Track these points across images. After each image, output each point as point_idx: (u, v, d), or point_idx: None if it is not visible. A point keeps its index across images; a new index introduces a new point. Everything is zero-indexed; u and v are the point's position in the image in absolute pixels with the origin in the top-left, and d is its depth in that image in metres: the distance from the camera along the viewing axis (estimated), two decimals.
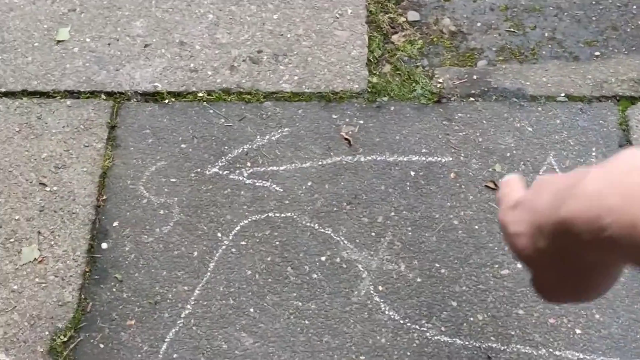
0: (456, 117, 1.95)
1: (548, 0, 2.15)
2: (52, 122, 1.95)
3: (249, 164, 1.88)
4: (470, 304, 1.70)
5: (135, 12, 2.14)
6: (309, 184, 1.86)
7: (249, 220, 1.81)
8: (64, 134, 1.93)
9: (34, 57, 2.05)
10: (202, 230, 1.80)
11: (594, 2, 2.14)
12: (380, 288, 1.72)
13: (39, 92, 2.00)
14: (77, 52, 2.07)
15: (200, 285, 1.73)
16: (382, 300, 1.70)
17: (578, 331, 1.66)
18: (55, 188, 1.85)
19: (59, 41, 2.09)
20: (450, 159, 1.89)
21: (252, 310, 1.70)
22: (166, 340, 1.67)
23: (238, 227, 1.80)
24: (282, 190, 1.85)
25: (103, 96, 2.00)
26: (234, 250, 1.77)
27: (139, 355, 1.65)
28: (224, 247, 1.77)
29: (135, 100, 1.99)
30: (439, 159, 1.89)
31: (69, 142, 1.92)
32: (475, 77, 2.02)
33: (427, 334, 1.66)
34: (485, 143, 1.90)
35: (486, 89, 1.99)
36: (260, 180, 1.86)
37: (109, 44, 2.08)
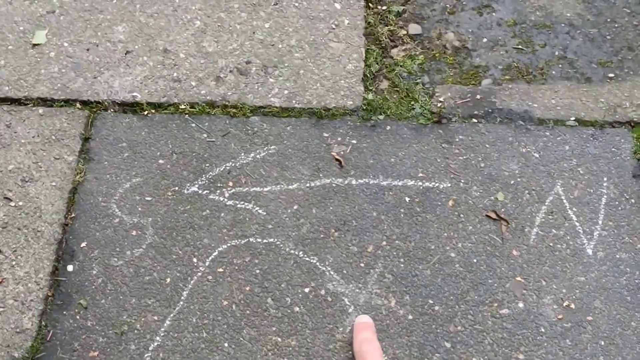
0: (457, 140, 1.80)
1: (559, 16, 2.01)
2: (21, 131, 1.81)
3: (230, 184, 1.74)
4: (466, 346, 1.55)
5: (117, 16, 2.00)
6: (295, 207, 1.71)
7: (228, 245, 1.66)
8: (34, 144, 1.79)
9: (7, 60, 1.92)
10: (176, 255, 1.65)
11: (609, 20, 2.00)
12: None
13: (9, 98, 1.87)
14: (53, 57, 1.93)
15: (171, 315, 1.58)
16: None
17: None
18: (20, 203, 1.71)
19: (34, 45, 1.95)
20: (449, 185, 1.74)
21: (226, 345, 1.55)
22: None
23: (216, 253, 1.65)
24: (265, 213, 1.70)
25: (78, 105, 1.86)
26: (210, 277, 1.62)
27: None
28: (199, 273, 1.63)
29: (112, 110, 1.86)
30: (437, 184, 1.74)
31: (39, 153, 1.78)
32: (478, 96, 1.87)
33: None
34: (488, 169, 1.76)
35: (490, 110, 1.85)
36: (243, 202, 1.72)
37: (87, 50, 1.94)
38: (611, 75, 1.90)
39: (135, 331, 1.57)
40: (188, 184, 1.74)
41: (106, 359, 1.54)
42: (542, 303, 1.59)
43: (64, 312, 1.59)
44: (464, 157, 1.78)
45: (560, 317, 1.57)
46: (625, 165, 1.76)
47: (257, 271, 1.63)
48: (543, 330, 1.56)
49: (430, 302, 1.60)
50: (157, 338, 1.56)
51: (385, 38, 1.98)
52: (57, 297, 1.60)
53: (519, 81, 1.90)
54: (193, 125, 1.83)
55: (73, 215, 1.70)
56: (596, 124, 1.83)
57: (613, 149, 1.78)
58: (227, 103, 1.86)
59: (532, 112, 1.84)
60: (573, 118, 1.83)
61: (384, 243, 1.66)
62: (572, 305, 1.59)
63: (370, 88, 1.89)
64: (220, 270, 1.63)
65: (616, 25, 1.99)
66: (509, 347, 1.55)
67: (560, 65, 1.92)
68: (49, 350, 1.55)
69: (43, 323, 1.58)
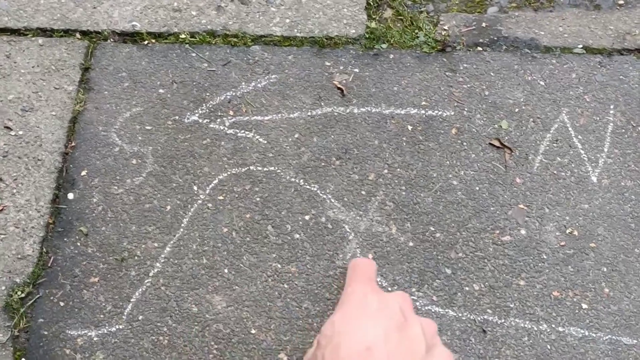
0: (461, 68, 1.77)
1: None
2: (21, 61, 1.79)
3: (231, 113, 1.72)
4: (466, 272, 1.54)
5: None
6: (296, 136, 1.69)
7: (229, 173, 1.65)
8: (34, 74, 1.77)
9: None
10: (176, 183, 1.65)
11: None
12: (367, 251, 1.56)
13: (9, 29, 1.84)
14: None
15: (171, 242, 1.58)
16: None
17: (584, 306, 1.50)
18: (20, 132, 1.70)
19: None
20: (452, 113, 1.71)
21: (226, 271, 1.55)
22: (132, 300, 1.53)
23: (216, 181, 1.64)
24: (266, 142, 1.69)
25: (78, 35, 1.84)
26: (210, 205, 1.62)
27: (102, 316, 1.51)
28: (199, 201, 1.62)
29: (112, 40, 1.83)
30: (440, 112, 1.71)
31: (39, 83, 1.76)
32: (484, 24, 1.83)
33: (417, 304, 1.51)
34: (492, 97, 1.73)
35: (496, 38, 1.81)
36: (243, 131, 1.70)
37: None
38: (621, 2, 1.85)
39: (136, 258, 1.57)
40: (188, 113, 1.73)
41: (107, 284, 1.54)
42: (544, 230, 1.57)
43: (65, 239, 1.59)
44: (468, 85, 1.75)
45: (562, 244, 1.56)
46: (633, 93, 1.72)
47: (258, 199, 1.62)
48: (545, 257, 1.55)
49: (432, 229, 1.58)
50: (157, 264, 1.56)
51: None
52: (57, 225, 1.60)
53: (526, 9, 1.86)
54: (193, 54, 1.80)
55: (73, 144, 1.69)
56: (604, 51, 1.78)
57: (621, 77, 1.74)
58: (227, 32, 1.83)
59: (538, 40, 1.80)
60: (581, 46, 1.79)
61: (386, 171, 1.65)
62: (575, 232, 1.57)
63: (374, 16, 1.85)
64: (221, 198, 1.62)
65: None
66: (510, 273, 1.53)
67: None
68: (50, 276, 1.55)
69: (44, 249, 1.58)
